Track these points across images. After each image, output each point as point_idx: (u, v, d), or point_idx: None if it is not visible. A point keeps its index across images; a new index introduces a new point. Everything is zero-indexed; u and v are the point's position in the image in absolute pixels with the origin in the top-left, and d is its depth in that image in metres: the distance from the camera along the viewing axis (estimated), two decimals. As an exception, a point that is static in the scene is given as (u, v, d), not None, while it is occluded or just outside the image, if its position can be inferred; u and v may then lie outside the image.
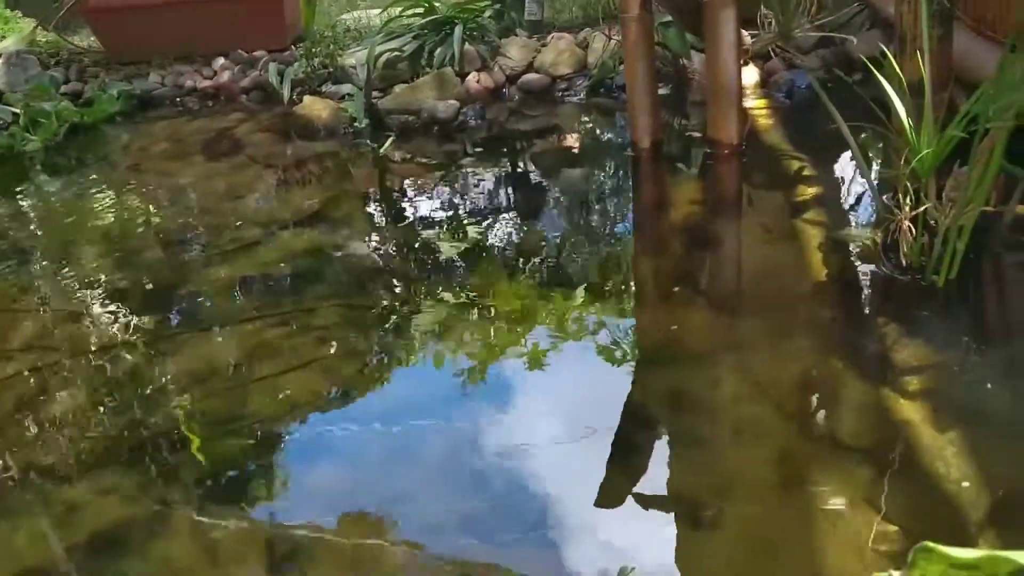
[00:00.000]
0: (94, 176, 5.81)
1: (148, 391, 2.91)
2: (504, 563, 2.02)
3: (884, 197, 3.02)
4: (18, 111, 6.87)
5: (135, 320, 3.43)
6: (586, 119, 5.46)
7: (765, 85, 5.16)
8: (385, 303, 3.37)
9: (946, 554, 1.03)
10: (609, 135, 5.27)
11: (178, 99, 7.23)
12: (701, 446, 2.35)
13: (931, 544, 1.04)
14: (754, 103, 4.96)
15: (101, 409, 2.84)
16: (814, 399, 2.51)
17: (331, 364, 2.96)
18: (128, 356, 3.16)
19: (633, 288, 3.31)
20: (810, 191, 3.80)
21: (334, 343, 3.08)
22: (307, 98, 5.95)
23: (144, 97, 7.26)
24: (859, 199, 3.75)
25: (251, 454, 2.58)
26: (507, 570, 2.00)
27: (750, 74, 5.10)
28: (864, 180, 3.77)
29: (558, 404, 2.61)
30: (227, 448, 2.61)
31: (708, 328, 2.95)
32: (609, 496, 2.21)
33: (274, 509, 2.33)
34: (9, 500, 2.44)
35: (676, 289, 3.26)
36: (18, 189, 5.86)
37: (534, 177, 4.75)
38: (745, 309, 3.08)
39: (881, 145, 3.91)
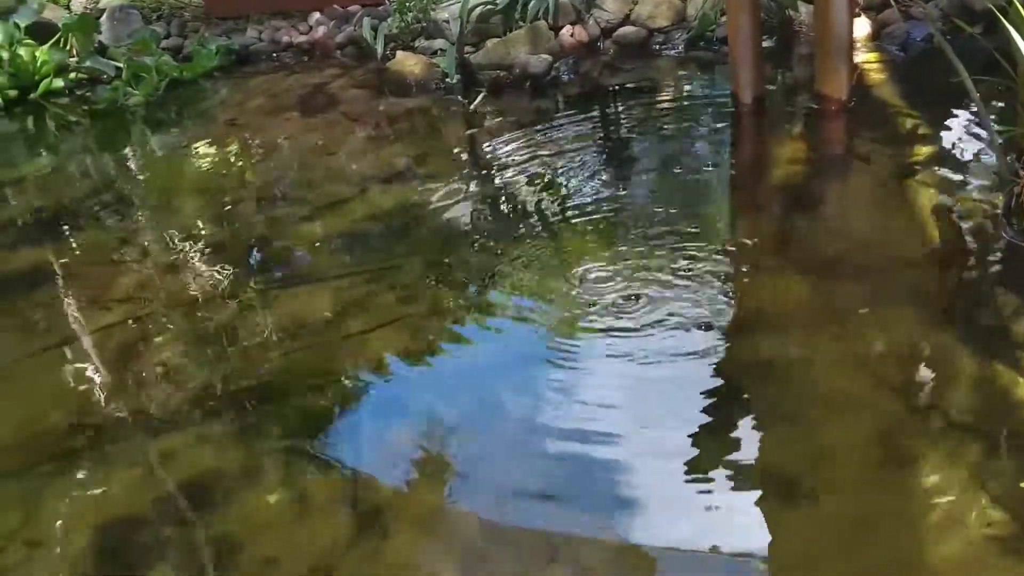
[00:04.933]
0: (192, 131, 5.93)
1: (241, 344, 2.95)
2: (585, 534, 1.96)
3: (1008, 157, 2.80)
4: (121, 65, 7.05)
5: (229, 273, 3.49)
6: (684, 73, 5.27)
7: (877, 37, 4.89)
8: (472, 261, 3.33)
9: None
10: (708, 90, 5.07)
11: (274, 54, 7.31)
12: (796, 419, 2.23)
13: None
14: (865, 56, 4.70)
15: (195, 360, 2.89)
16: (921, 373, 2.36)
17: (417, 322, 2.94)
18: (222, 309, 3.21)
19: (728, 250, 3.18)
20: (924, 150, 3.58)
21: (420, 301, 3.06)
22: (400, 53, 5.92)
23: (242, 52, 7.37)
24: (978, 159, 3.50)
25: (339, 409, 2.59)
26: (589, 541, 1.95)
27: (862, 26, 4.83)
28: (986, 138, 3.52)
29: (644, 369, 2.52)
30: (315, 402, 2.62)
31: (807, 294, 2.81)
32: (697, 468, 2.12)
33: (360, 465, 2.32)
34: (108, 446, 2.51)
35: (773, 252, 3.11)
36: (120, 143, 6.03)
37: (627, 134, 4.61)
38: (847, 275, 2.91)
39: (1004, 103, 3.64)
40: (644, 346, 2.59)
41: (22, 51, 7.17)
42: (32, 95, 7.27)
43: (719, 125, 4.43)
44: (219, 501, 2.23)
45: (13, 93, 7.19)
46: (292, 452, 2.39)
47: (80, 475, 2.37)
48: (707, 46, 5.42)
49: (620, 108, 4.95)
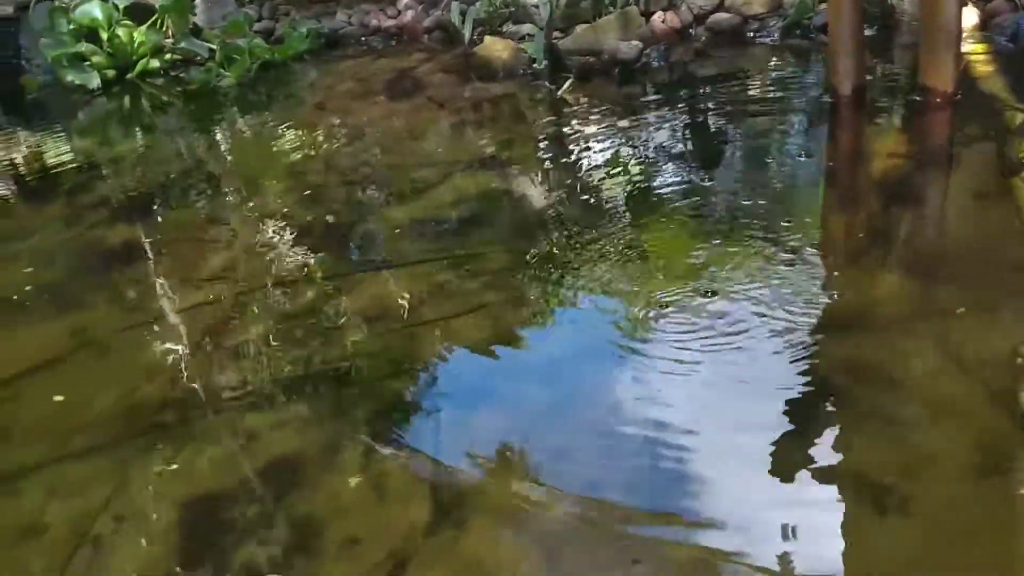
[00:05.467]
0: (282, 113, 6.02)
1: (323, 326, 2.98)
2: (668, 536, 1.92)
3: None
4: (214, 47, 7.21)
5: (314, 256, 3.52)
6: (778, 62, 5.12)
7: (985, 27, 4.67)
8: (554, 250, 3.29)
9: None
10: (803, 80, 4.92)
11: (363, 38, 7.37)
12: (889, 423, 2.13)
13: None
14: (972, 47, 4.49)
15: (280, 341, 2.93)
16: (1025, 380, 2.24)
17: (498, 311, 2.92)
18: (306, 291, 3.24)
19: (819, 245, 3.07)
20: (1034, 147, 3.40)
21: (502, 289, 3.04)
22: (487, 38, 5.90)
23: (331, 36, 7.46)
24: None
25: (420, 396, 2.59)
26: (672, 544, 1.90)
27: (969, 15, 4.62)
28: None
29: (727, 364, 2.45)
30: (396, 388, 2.63)
31: (903, 294, 2.69)
32: (782, 469, 2.05)
33: (439, 453, 2.32)
34: (196, 423, 2.56)
35: (868, 249, 2.99)
36: (211, 124, 6.17)
37: (717, 123, 4.50)
38: (947, 276, 2.78)
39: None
40: (731, 343, 2.51)
41: (120, 32, 7.40)
42: (129, 75, 7.49)
43: (814, 116, 4.29)
44: (301, 482, 2.25)
45: (111, 73, 7.43)
46: (372, 437, 2.39)
47: (168, 451, 2.42)
48: (803, 34, 5.26)
49: (711, 97, 4.84)
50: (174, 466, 2.36)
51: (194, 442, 2.46)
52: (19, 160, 5.76)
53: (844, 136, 4.11)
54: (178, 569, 2.00)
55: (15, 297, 3.51)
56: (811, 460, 2.07)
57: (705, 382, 2.39)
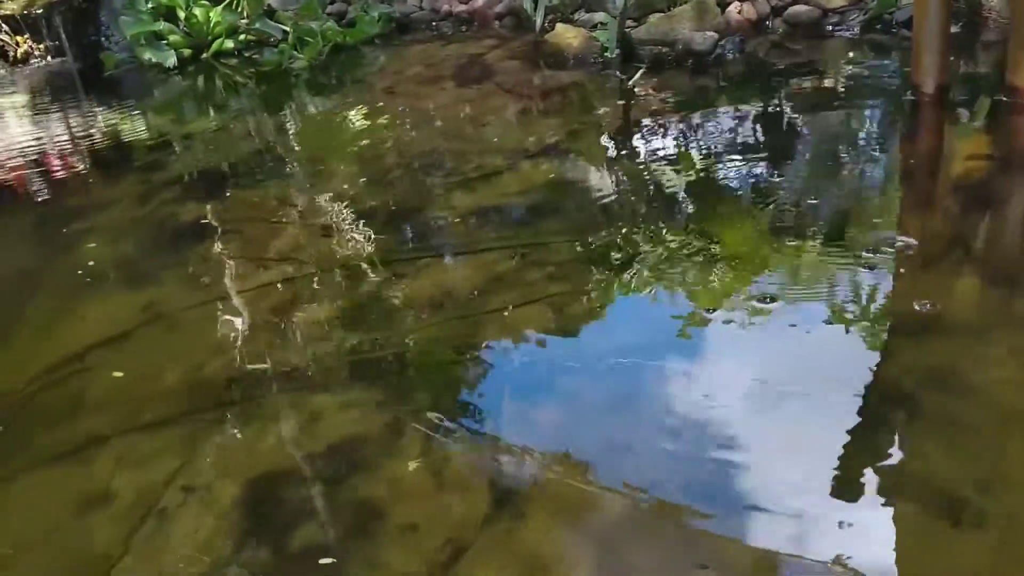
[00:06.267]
0: (351, 96, 6.06)
1: (387, 311, 2.99)
2: (729, 539, 1.88)
3: None
4: (287, 29, 7.29)
5: (380, 240, 3.54)
6: (857, 56, 4.99)
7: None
8: (620, 243, 3.25)
9: None
10: (883, 76, 4.78)
11: (433, 23, 7.38)
12: (965, 433, 2.06)
13: None
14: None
15: (345, 324, 2.95)
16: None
17: (561, 301, 2.89)
18: (371, 275, 3.26)
19: (895, 246, 2.98)
20: None
21: (566, 280, 3.01)
22: (559, 26, 5.86)
23: (402, 20, 7.48)
24: None
25: (481, 385, 2.58)
26: (734, 547, 1.86)
27: (1062, 12, 4.41)
28: None
29: (794, 365, 2.39)
30: (458, 375, 2.63)
31: (982, 300, 2.60)
32: (848, 476, 2.00)
33: (499, 442, 2.31)
34: (261, 401, 2.59)
35: (947, 253, 2.89)
36: (282, 105, 6.24)
37: (792, 118, 4.40)
38: (1030, 283, 2.69)
39: None
40: (799, 343, 2.45)
41: (197, 11, 7.52)
42: (204, 55, 7.62)
43: (894, 114, 4.17)
44: (362, 464, 2.26)
45: (187, 52, 7.57)
46: (433, 423, 2.39)
47: (234, 427, 2.45)
48: (885, 29, 5.11)
49: (786, 91, 4.73)
50: (239, 443, 2.39)
51: (258, 420, 2.49)
52: (96, 136, 5.90)
53: (925, 135, 3.98)
54: (240, 545, 2.02)
55: (88, 272, 3.60)
56: (881, 466, 2.01)
57: (771, 382, 2.34)
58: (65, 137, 5.92)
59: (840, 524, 1.87)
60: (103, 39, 8.37)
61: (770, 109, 4.59)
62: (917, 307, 2.57)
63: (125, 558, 2.03)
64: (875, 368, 2.32)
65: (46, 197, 4.75)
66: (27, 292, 3.54)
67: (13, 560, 2.08)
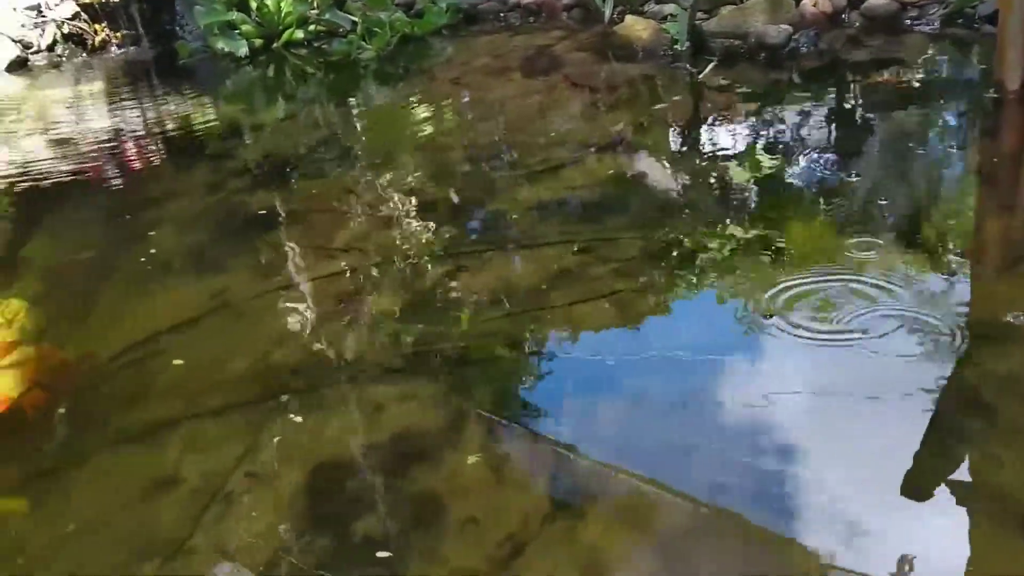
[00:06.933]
0: (418, 87, 6.08)
1: (450, 304, 2.99)
2: (791, 549, 1.83)
3: None
4: (356, 20, 7.34)
5: (443, 232, 3.54)
6: (936, 52, 4.83)
7: None
8: (687, 240, 3.20)
9: None
10: (963, 72, 4.62)
11: (501, 14, 7.36)
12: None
13: None
14: None
15: (407, 316, 2.95)
16: None
17: (627, 298, 2.86)
18: (434, 267, 3.26)
19: (972, 249, 2.87)
20: None
21: (632, 277, 2.97)
22: (628, 17, 5.80)
23: (469, 11, 7.48)
24: None
25: (543, 381, 2.57)
26: (797, 557, 1.81)
27: None
28: None
29: (864, 370, 2.31)
30: (521, 370, 2.62)
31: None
32: (919, 483, 1.94)
33: (560, 440, 2.29)
34: (324, 390, 2.61)
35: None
36: (350, 95, 6.29)
37: (867, 114, 4.28)
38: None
39: None
40: (869, 348, 2.38)
41: (269, 1, 7.62)
42: (275, 45, 7.72)
43: (976, 111, 4.02)
44: (423, 457, 2.26)
45: (259, 42, 7.68)
46: (494, 418, 2.39)
47: (298, 416, 2.48)
48: (966, 23, 4.94)
49: (861, 86, 4.60)
50: (302, 430, 2.42)
51: (322, 409, 2.51)
52: (169, 125, 6.03)
53: (1008, 133, 3.83)
54: (300, 533, 2.04)
55: (160, 259, 3.67)
56: (952, 476, 1.95)
57: (840, 387, 2.28)
58: (139, 125, 6.05)
59: (906, 534, 1.82)
60: (178, 28, 8.54)
61: (845, 105, 4.47)
62: (995, 310, 2.48)
63: (190, 541, 2.07)
64: (950, 374, 2.25)
65: (120, 184, 4.87)
66: (102, 277, 3.63)
67: (77, 538, 2.13)
